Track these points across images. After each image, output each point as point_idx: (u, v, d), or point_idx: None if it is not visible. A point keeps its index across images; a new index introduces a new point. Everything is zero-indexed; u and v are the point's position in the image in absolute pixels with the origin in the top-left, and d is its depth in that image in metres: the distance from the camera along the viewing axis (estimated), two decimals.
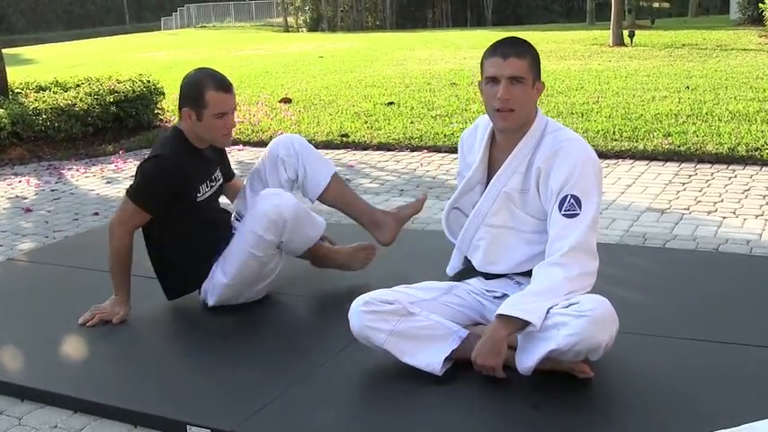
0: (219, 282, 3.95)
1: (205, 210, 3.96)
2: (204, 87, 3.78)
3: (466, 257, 3.52)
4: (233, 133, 3.95)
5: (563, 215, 3.13)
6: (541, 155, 3.19)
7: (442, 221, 3.55)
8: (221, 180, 4.11)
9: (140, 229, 3.97)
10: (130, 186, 3.92)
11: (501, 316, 3.07)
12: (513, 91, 3.12)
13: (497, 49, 3.17)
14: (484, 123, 3.41)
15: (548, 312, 3.02)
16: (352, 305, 3.30)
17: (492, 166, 3.35)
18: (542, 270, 3.15)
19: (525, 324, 3.03)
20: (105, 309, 3.97)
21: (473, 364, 3.15)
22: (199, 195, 3.91)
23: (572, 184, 3.12)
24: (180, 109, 3.86)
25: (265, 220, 3.81)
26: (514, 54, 3.13)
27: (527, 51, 3.18)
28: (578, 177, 3.12)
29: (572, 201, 3.12)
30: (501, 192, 3.27)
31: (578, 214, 3.12)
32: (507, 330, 3.08)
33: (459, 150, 3.58)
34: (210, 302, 4.01)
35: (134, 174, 3.97)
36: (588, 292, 3.14)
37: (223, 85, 3.82)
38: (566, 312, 2.98)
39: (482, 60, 3.23)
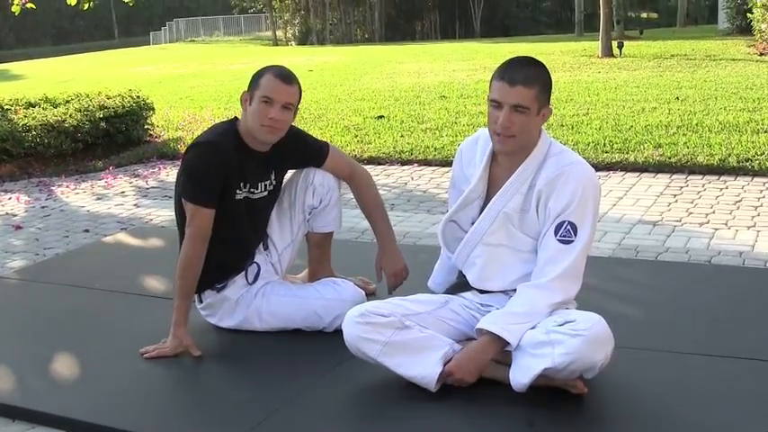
0: (250, 323, 3.91)
1: (237, 214, 3.83)
2: (265, 72, 3.74)
3: (460, 271, 3.52)
4: (277, 130, 3.75)
5: (558, 240, 3.15)
6: (543, 177, 3.19)
7: (438, 234, 3.54)
8: (272, 190, 3.96)
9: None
10: (180, 187, 3.78)
11: (487, 334, 3.14)
12: (515, 119, 3.10)
13: (506, 74, 3.12)
14: (485, 137, 3.38)
15: (543, 329, 3.03)
16: (346, 316, 3.31)
17: (492, 183, 3.34)
18: (528, 291, 3.19)
19: (506, 343, 3.10)
20: (167, 351, 3.71)
21: (449, 375, 3.17)
22: (238, 193, 3.80)
23: (570, 211, 3.14)
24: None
25: (337, 319, 3.75)
26: (522, 82, 3.08)
27: (537, 78, 3.14)
28: (577, 204, 3.13)
29: (568, 227, 3.14)
30: (501, 212, 3.27)
31: (573, 241, 3.14)
32: (494, 351, 3.17)
33: (456, 159, 3.55)
34: (221, 324, 3.98)
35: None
36: (583, 308, 3.15)
37: (282, 74, 3.74)
38: (561, 331, 2.98)
39: (491, 78, 3.20)
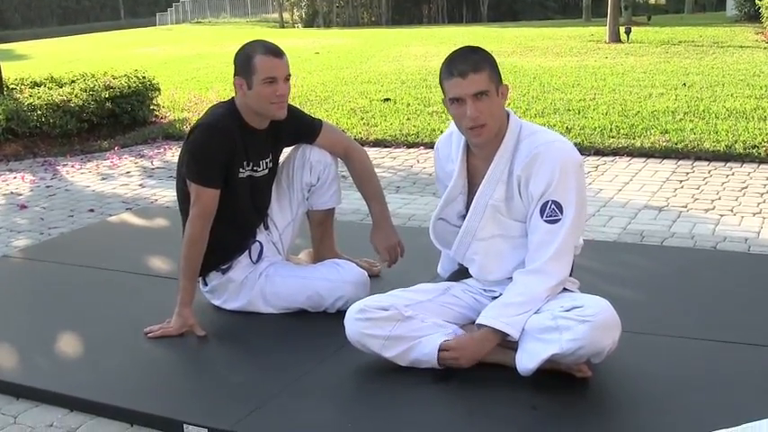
0: (255, 305, 3.92)
1: (240, 193, 3.84)
2: (253, 53, 3.70)
3: None
4: (285, 103, 3.76)
5: (545, 221, 3.13)
6: (520, 162, 3.16)
7: (430, 233, 3.51)
8: (271, 167, 3.97)
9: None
10: (185, 168, 3.80)
11: (488, 327, 3.14)
12: (481, 106, 3.07)
13: (453, 69, 3.09)
14: (458, 131, 3.36)
15: (549, 314, 3.04)
16: (347, 313, 3.31)
17: (471, 176, 3.32)
18: (524, 278, 3.17)
19: (507, 335, 3.11)
20: (171, 331, 3.72)
21: (446, 350, 3.17)
22: (241, 171, 3.80)
23: (552, 191, 3.11)
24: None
25: (339, 300, 3.81)
26: (472, 70, 3.06)
27: (483, 62, 3.11)
28: (557, 183, 3.10)
29: (553, 206, 3.11)
30: (488, 205, 3.25)
31: (560, 219, 3.12)
32: (495, 342, 3.18)
33: (435, 158, 3.55)
34: (226, 306, 3.98)
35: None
36: (587, 292, 3.15)
37: (272, 50, 3.71)
38: (568, 316, 2.97)
39: (440, 80, 3.18)
